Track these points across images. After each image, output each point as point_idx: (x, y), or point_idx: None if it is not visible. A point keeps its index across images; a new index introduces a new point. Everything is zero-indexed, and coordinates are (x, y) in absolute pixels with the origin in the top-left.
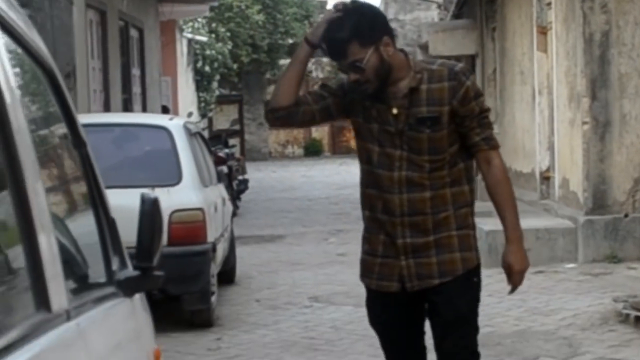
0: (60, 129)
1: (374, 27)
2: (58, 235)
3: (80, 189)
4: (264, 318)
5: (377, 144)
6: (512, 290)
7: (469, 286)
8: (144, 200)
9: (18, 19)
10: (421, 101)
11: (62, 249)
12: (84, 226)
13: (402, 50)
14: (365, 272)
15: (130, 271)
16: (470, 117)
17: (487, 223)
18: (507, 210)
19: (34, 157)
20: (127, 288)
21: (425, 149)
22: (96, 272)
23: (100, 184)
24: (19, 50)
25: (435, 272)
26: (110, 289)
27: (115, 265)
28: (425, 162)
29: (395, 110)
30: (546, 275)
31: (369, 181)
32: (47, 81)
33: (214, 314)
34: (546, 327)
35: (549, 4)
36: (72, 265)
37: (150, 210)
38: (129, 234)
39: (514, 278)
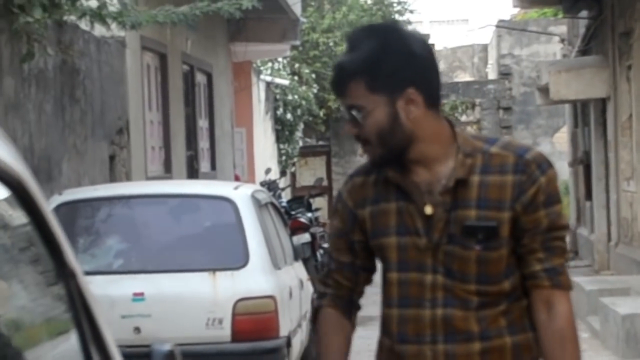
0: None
1: (399, 68)
2: None
3: (64, 344)
4: None
5: (395, 268)
6: None
7: None
8: (153, 355)
9: None
10: (470, 201)
11: None
12: None
13: (447, 119)
14: None
15: None
16: (533, 233)
17: (623, 304)
18: None
19: None
20: None
21: (472, 275)
22: None
23: (101, 329)
24: None
25: None
26: None
27: None
28: (472, 295)
29: (429, 210)
30: None
31: (383, 331)
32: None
33: None
34: None
35: None
36: None
37: None
38: (183, 327)
39: None
